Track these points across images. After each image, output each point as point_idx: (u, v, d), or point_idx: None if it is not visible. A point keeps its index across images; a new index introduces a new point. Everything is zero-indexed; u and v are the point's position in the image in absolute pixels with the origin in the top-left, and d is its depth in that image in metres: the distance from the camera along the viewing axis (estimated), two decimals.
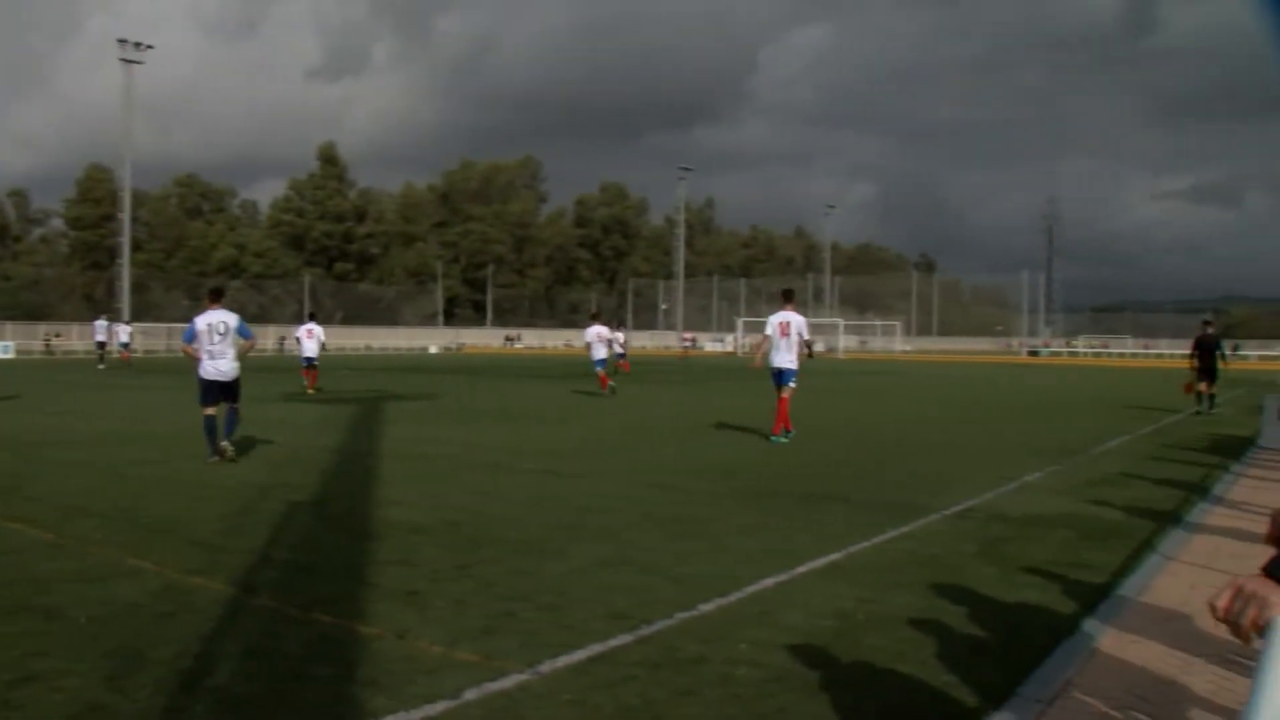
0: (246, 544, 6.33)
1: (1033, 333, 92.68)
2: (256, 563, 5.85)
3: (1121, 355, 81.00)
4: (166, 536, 6.58)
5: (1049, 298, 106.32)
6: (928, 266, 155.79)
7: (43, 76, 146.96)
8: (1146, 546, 6.66)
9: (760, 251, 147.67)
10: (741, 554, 6.18)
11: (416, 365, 44.32)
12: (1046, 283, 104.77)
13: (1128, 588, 5.57)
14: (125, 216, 61.87)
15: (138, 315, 64.34)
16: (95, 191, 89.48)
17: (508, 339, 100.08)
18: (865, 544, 6.51)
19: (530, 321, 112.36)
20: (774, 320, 13.18)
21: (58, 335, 60.41)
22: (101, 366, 36.01)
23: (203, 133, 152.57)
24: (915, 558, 6.16)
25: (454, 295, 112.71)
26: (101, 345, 37.87)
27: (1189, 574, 5.93)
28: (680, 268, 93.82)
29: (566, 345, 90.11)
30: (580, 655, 4.24)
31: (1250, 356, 73.69)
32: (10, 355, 48.70)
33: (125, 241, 62.12)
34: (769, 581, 5.49)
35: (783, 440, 12.71)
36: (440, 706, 3.69)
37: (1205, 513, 8.10)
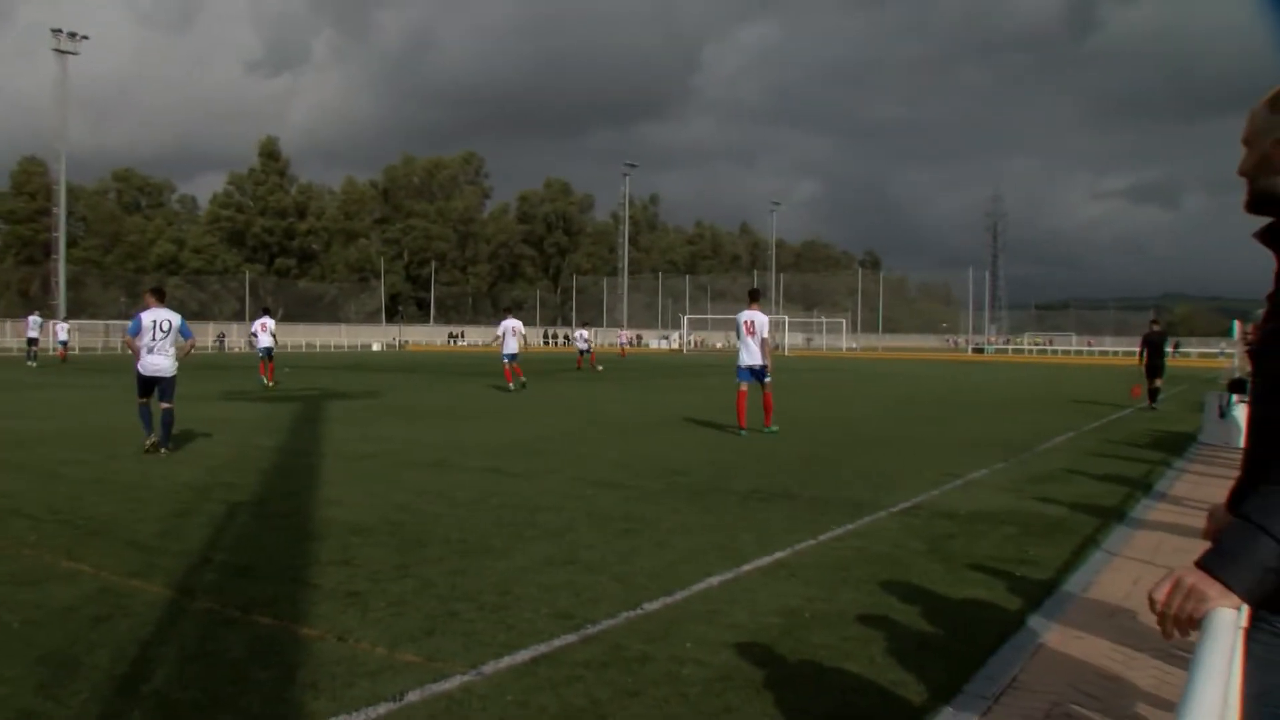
0: (185, 545, 6.21)
1: (978, 330, 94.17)
2: (195, 564, 5.74)
3: (1066, 352, 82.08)
4: (102, 538, 6.43)
5: (994, 295, 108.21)
6: (873, 264, 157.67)
7: None
8: (1090, 542, 6.78)
9: (705, 248, 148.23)
10: (687, 552, 6.18)
11: (359, 363, 43.83)
12: (991, 280, 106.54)
13: (1072, 584, 5.66)
14: (60, 211, 60.35)
15: (74, 312, 62.89)
16: (29, 185, 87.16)
17: (451, 336, 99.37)
18: (812, 542, 6.55)
19: (474, 319, 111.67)
20: (740, 319, 13.61)
21: None
22: (33, 364, 35.11)
23: (140, 126, 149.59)
24: (862, 555, 6.21)
25: (397, 292, 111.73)
26: (33, 342, 36.92)
27: (1132, 569, 6.03)
28: (624, 264, 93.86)
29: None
30: (524, 655, 4.22)
31: (1191, 354, 75.21)
32: None
33: (60, 236, 60.56)
34: (715, 580, 5.50)
35: (775, 430, 13.39)
36: (383, 709, 3.64)
37: (1148, 508, 8.26)
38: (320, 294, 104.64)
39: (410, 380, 28.65)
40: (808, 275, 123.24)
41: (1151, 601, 1.68)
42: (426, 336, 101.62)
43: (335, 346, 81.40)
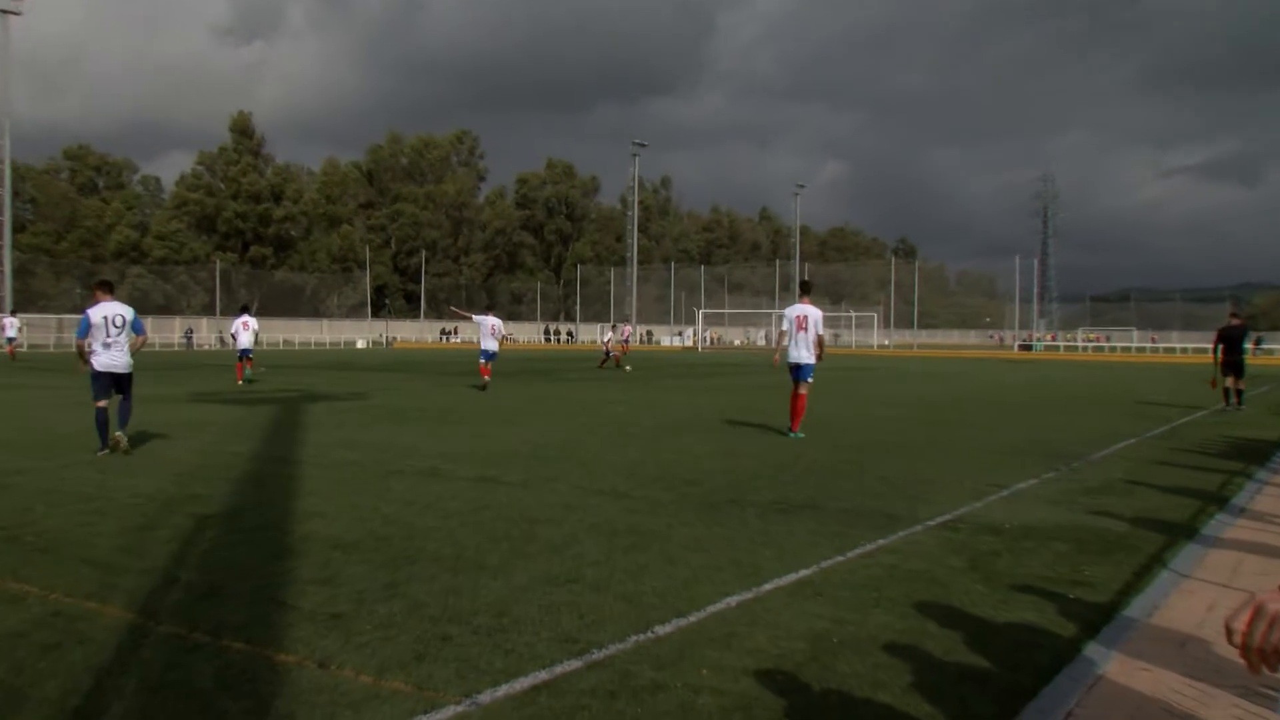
0: (147, 563, 6.22)
1: (1025, 325, 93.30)
2: (158, 584, 5.74)
3: (1126, 349, 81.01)
4: (53, 556, 6.43)
5: (1043, 286, 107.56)
6: (907, 252, 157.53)
7: None
8: (1156, 562, 6.63)
9: (722, 236, 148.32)
10: (702, 569, 6.16)
11: (342, 362, 43.93)
12: (1040, 269, 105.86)
13: (1136, 608, 5.54)
14: (4, 192, 60.38)
15: (22, 305, 63.08)
16: None
17: (443, 333, 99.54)
18: (839, 558, 6.53)
19: (470, 312, 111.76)
20: (790, 314, 14.04)
21: None
22: None
23: (95, 98, 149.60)
24: (895, 573, 6.18)
25: (383, 284, 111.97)
26: None
27: (1207, 593, 5.85)
28: (634, 254, 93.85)
29: (509, 339, 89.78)
30: (524, 683, 4.20)
31: (1276, 350, 72.88)
32: None
33: (5, 221, 60.65)
34: (732, 600, 5.48)
35: (800, 435, 13.65)
36: None
37: (1224, 525, 8.00)
38: (299, 286, 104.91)
39: (398, 380, 28.69)
40: (835, 265, 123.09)
41: (1230, 631, 1.64)
42: (416, 333, 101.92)
43: (316, 343, 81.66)
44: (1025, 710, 4.06)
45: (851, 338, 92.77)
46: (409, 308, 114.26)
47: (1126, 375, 37.35)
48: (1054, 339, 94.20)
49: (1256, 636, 1.59)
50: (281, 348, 68.65)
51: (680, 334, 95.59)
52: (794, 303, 14.29)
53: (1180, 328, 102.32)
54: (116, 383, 11.58)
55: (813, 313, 13.93)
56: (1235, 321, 19.59)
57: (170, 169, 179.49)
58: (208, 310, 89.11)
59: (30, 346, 54.36)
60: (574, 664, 4.44)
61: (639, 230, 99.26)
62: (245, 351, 26.28)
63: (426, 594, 5.55)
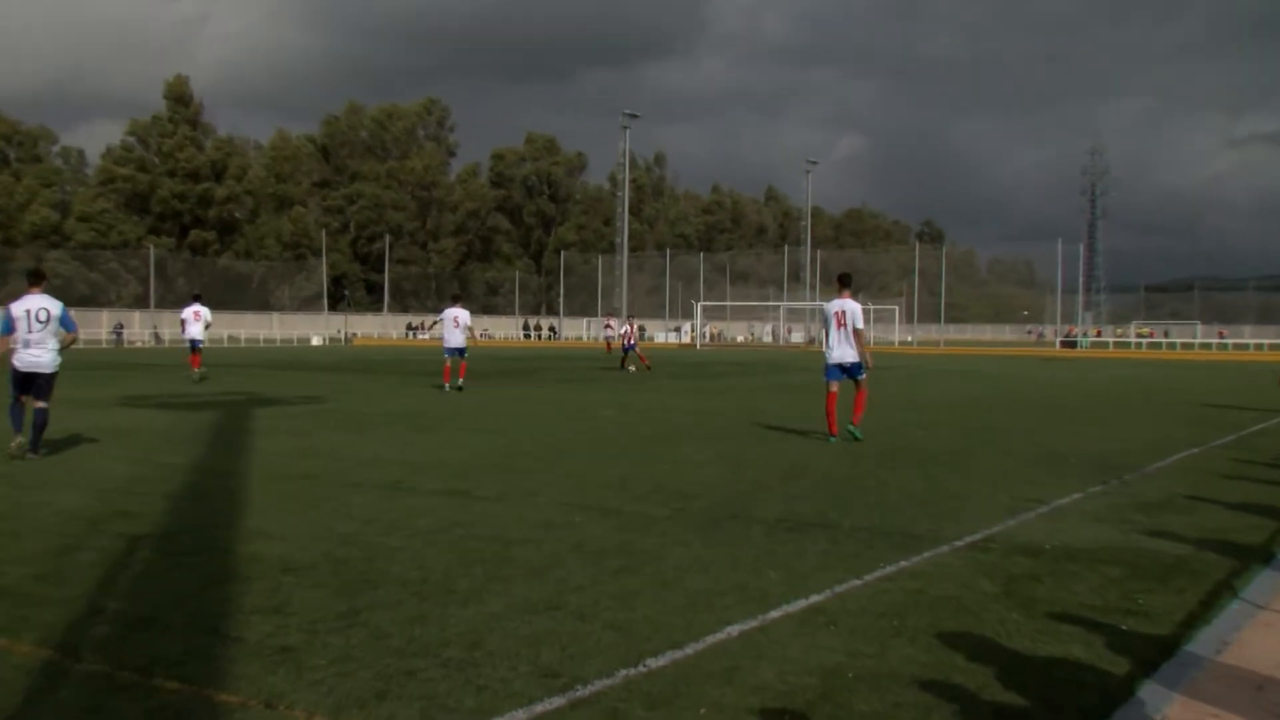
0: (68, 592, 6.18)
1: (1069, 318, 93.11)
2: (81, 616, 5.70)
3: (1188, 346, 79.79)
4: None
5: (1090, 274, 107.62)
6: (934, 237, 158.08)
7: None
8: (1225, 590, 6.52)
9: (724, 219, 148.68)
10: (700, 595, 6.15)
11: (295, 360, 43.86)
12: (1087, 255, 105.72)
13: (1201, 643, 5.45)
14: None
15: None
16: None
17: (410, 328, 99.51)
18: (856, 582, 6.52)
19: (438, 306, 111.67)
20: (829, 310, 14.53)
21: None
22: None
23: (5, 57, 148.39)
24: (919, 600, 6.17)
25: (341, 273, 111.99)
26: None
27: None
28: (624, 239, 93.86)
29: (484, 335, 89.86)
30: None
31: None
32: None
33: None
34: (734, 630, 5.47)
35: (858, 433, 14.21)
36: None
37: None
38: (245, 275, 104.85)
39: (358, 382, 28.69)
40: (851, 251, 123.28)
41: None
42: (379, 328, 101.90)
43: (265, 340, 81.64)
44: None
45: (870, 333, 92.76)
46: (370, 300, 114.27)
47: (1188, 376, 37.35)
48: (1100, 334, 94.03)
49: None
50: (226, 345, 68.53)
51: (677, 329, 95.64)
52: (832, 297, 14.77)
53: (1254, 321, 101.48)
54: (36, 383, 11.66)
55: (851, 307, 14.40)
56: None
57: (95, 140, 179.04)
58: (140, 302, 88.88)
59: None
60: (556, 701, 4.42)
61: (630, 213, 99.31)
62: (195, 342, 27.69)
63: (389, 623, 5.53)
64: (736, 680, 4.72)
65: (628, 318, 42.92)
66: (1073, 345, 79.00)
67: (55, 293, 12.19)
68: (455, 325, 24.38)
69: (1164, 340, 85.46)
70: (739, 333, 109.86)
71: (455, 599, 6.02)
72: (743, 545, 7.56)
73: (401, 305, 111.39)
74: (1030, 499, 9.75)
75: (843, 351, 14.38)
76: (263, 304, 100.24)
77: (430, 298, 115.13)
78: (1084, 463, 12.41)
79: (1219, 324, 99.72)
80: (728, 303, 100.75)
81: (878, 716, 4.34)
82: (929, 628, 5.57)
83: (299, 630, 5.40)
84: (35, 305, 11.64)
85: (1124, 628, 5.67)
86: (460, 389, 23.83)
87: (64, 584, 6.36)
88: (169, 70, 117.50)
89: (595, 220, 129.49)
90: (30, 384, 11.64)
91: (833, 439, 14.12)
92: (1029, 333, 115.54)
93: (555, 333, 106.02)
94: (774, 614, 5.77)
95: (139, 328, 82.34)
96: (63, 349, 11.92)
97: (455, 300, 25.70)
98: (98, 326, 77.91)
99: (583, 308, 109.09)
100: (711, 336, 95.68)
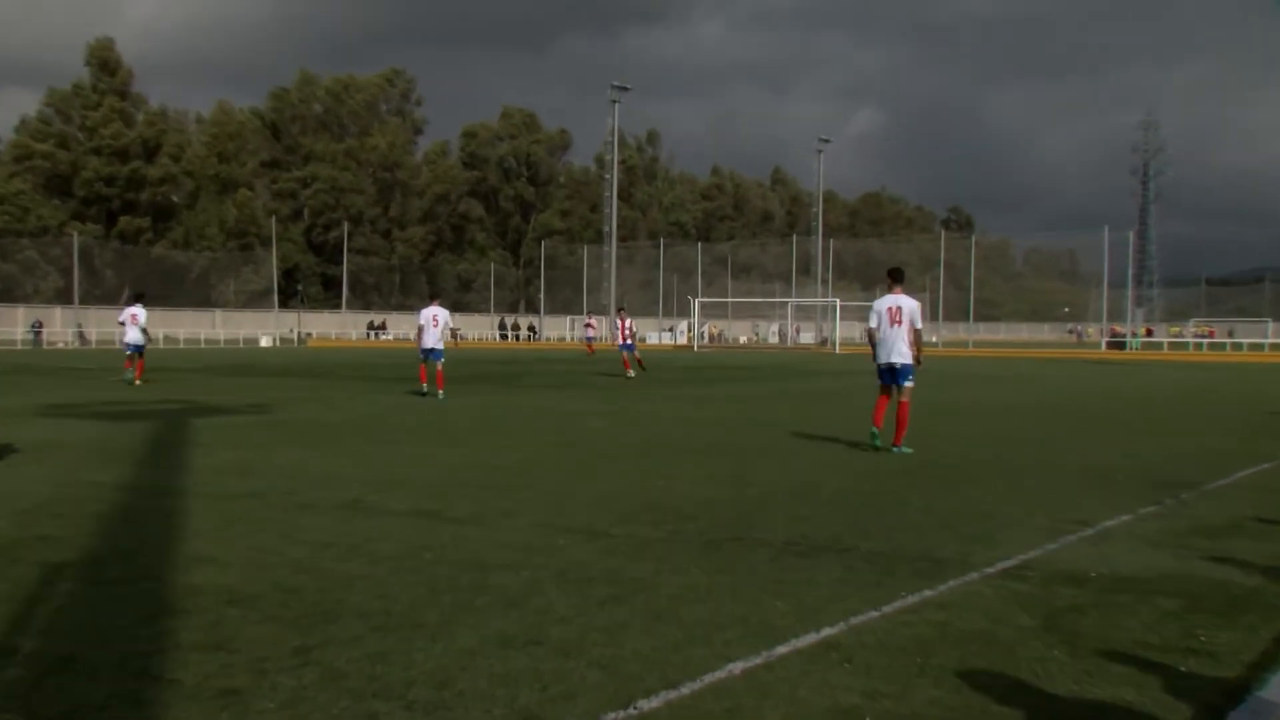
0: None
1: (1116, 316, 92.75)
2: None
3: (1256, 347, 78.89)
4: None
5: (1141, 265, 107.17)
6: (961, 224, 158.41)
7: None
8: None
9: (725, 205, 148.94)
10: (697, 627, 6.16)
11: (241, 364, 43.80)
12: (1138, 244, 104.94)
13: (1275, 688, 5.42)
14: None
15: None
16: None
17: (372, 328, 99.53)
18: (874, 614, 6.52)
19: (403, 302, 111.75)
20: (880, 307, 14.96)
21: None
22: None
23: None
24: (946, 634, 6.17)
25: (294, 266, 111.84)
26: None
27: None
28: (613, 227, 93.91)
29: (460, 338, 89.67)
30: None
31: None
32: None
33: None
34: (736, 667, 5.47)
35: (907, 451, 14.38)
36: None
37: None
38: (183, 267, 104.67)
39: (313, 388, 28.69)
40: (867, 241, 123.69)
41: None
42: (336, 327, 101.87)
43: (207, 341, 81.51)
44: None
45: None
46: (327, 296, 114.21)
47: (1257, 380, 37.31)
48: (1150, 333, 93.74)
49: None
50: (162, 346, 68.31)
51: (671, 329, 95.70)
52: (881, 294, 15.25)
53: None
54: None
55: (908, 304, 14.67)
56: None
57: (7, 112, 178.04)
58: (62, 297, 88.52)
59: None
60: None
61: (620, 198, 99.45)
62: (135, 348, 29.06)
63: (347, 661, 5.52)
64: None
65: (618, 310, 42.63)
66: (1121, 346, 78.65)
67: None
68: (434, 325, 24.69)
69: (1227, 340, 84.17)
70: (742, 332, 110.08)
71: (422, 633, 6.01)
72: (745, 572, 7.56)
73: (362, 302, 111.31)
74: (1073, 520, 9.75)
75: (893, 349, 14.63)
76: (204, 300, 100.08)
77: (394, 293, 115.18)
78: (1135, 479, 12.42)
79: None
80: (729, 299, 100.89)
81: None
82: (957, 666, 5.57)
83: (244, 670, 5.38)
84: None
85: (1184, 669, 5.64)
86: (442, 400, 23.99)
87: None
88: (92, 32, 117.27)
89: (580, 206, 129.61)
90: None
91: (875, 432, 14.63)
92: (1070, 332, 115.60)
93: (535, 333, 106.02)
94: (781, 649, 5.77)
95: (60, 326, 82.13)
96: None
97: (433, 299, 26.12)
98: (12, 325, 77.73)
99: (566, 304, 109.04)
100: (711, 337, 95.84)
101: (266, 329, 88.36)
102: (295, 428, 17.66)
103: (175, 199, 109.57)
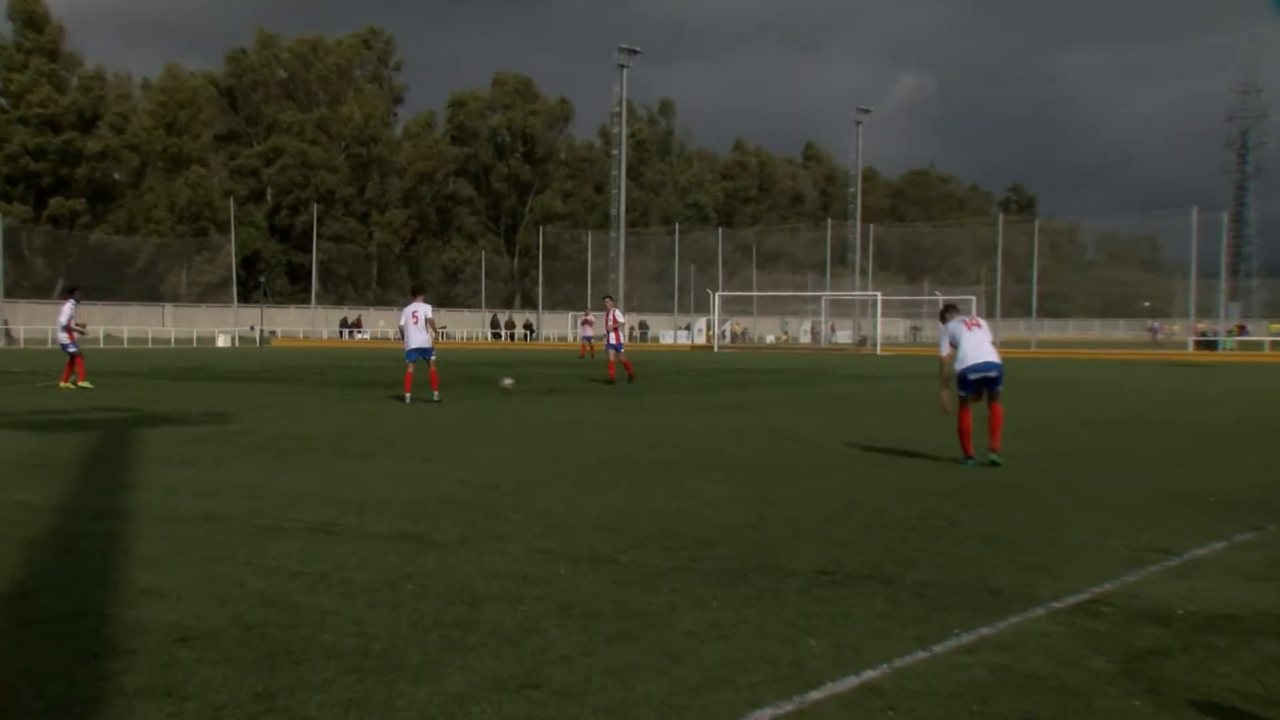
0: None
1: (1207, 310, 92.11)
2: None
3: None
4: None
5: (1236, 253, 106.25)
6: (1022, 206, 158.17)
7: None
8: None
9: (749, 185, 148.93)
10: (720, 669, 6.17)
11: (195, 366, 43.88)
12: (1234, 230, 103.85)
13: None
14: None
15: None
16: None
17: (345, 325, 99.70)
18: (921, 654, 6.53)
19: (382, 296, 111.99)
20: (950, 326, 15.38)
21: None
22: None
23: None
24: (1007, 679, 6.17)
25: (255, 253, 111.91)
26: None
27: None
28: (621, 210, 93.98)
29: (443, 333, 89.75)
30: None
31: None
32: None
33: None
34: (764, 715, 5.49)
35: (998, 459, 14.91)
36: None
37: None
38: (127, 255, 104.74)
39: (278, 394, 28.74)
40: (913, 225, 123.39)
41: None
42: (305, 324, 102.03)
43: (155, 339, 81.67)
44: None
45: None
46: (294, 288, 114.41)
47: None
48: (1243, 331, 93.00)
49: None
50: (102, 345, 68.49)
51: (688, 326, 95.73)
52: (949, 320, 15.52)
53: None
54: None
55: (979, 321, 15.53)
56: None
57: None
58: None
59: None
60: None
61: (629, 177, 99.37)
62: (67, 347, 29.46)
63: (318, 708, 5.53)
64: None
65: (605, 298, 41.91)
66: (1211, 346, 77.99)
67: None
68: (416, 322, 25.20)
69: None
70: (769, 331, 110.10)
71: (404, 676, 6.02)
72: (773, 605, 7.57)
73: (334, 296, 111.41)
74: (1155, 548, 9.73)
75: (980, 352, 14.93)
76: (151, 293, 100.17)
77: (371, 286, 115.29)
78: (1228, 502, 12.37)
79: None
80: (754, 293, 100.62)
81: None
82: (1019, 716, 5.57)
83: (199, 718, 5.40)
84: None
85: None
86: (438, 401, 24.75)
87: None
88: None
89: (584, 187, 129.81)
90: None
91: (969, 462, 14.89)
92: (1151, 330, 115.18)
93: (533, 331, 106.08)
94: (815, 695, 5.78)
95: None
96: None
97: (416, 294, 26.51)
98: None
99: (567, 299, 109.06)
100: (733, 335, 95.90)
101: (224, 326, 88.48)
102: (258, 440, 17.67)
103: (117, 176, 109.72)
